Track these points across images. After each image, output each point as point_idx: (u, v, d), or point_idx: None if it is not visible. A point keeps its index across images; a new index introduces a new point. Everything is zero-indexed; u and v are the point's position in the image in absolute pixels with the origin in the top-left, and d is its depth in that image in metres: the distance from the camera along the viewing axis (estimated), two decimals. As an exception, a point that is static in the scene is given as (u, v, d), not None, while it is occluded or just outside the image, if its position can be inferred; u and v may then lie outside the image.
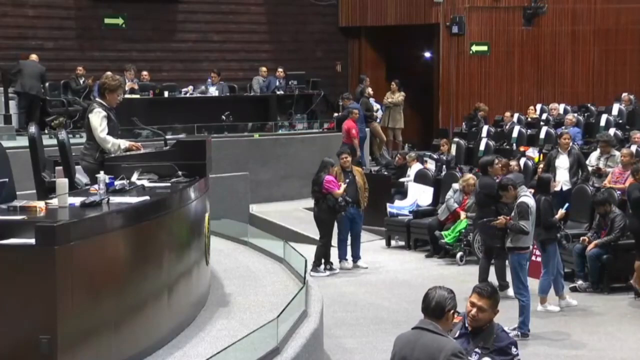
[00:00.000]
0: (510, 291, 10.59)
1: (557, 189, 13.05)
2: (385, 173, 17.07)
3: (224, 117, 18.07)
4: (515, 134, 17.45)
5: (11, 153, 8.01)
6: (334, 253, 13.41)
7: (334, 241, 13.40)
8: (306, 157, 17.34)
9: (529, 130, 17.78)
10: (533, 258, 11.54)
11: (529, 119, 19.34)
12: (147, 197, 6.77)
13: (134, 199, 6.66)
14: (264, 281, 9.24)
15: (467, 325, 5.48)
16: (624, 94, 20.16)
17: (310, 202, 13.88)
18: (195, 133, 16.74)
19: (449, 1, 22.16)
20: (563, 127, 16.58)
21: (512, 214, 10.32)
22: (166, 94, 18.68)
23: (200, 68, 21.35)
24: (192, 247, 7.66)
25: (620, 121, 18.07)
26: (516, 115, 19.53)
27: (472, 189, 13.34)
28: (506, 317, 8.65)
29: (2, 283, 5.52)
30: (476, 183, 12.79)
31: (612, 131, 16.21)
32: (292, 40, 22.96)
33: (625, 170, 13.20)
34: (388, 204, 15.33)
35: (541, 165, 14.55)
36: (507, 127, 18.44)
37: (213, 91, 19.16)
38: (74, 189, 7.44)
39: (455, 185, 14.21)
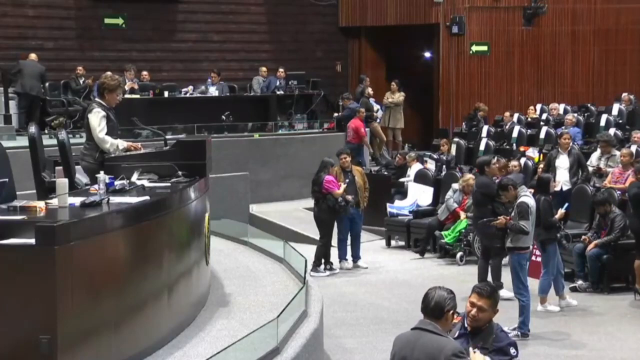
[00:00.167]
0: (504, 292, 10.54)
1: (557, 189, 13.04)
2: (385, 173, 17.07)
3: (224, 117, 18.08)
4: (515, 134, 17.45)
5: (11, 153, 8.01)
6: (334, 253, 13.41)
7: (334, 241, 13.41)
8: (306, 157, 17.34)
9: (529, 130, 17.77)
10: (533, 258, 11.54)
11: (529, 119, 19.33)
12: (147, 197, 6.77)
13: (134, 199, 6.66)
14: (264, 281, 9.24)
15: (466, 325, 5.48)
16: (624, 94, 20.16)
17: (310, 202, 13.88)
18: (195, 133, 16.75)
19: (449, 1, 22.15)
20: (563, 127, 16.57)
21: (512, 214, 10.32)
22: (166, 94, 18.68)
23: (200, 68, 21.35)
24: (192, 247, 7.66)
25: (620, 121, 18.07)
26: (516, 115, 19.53)
27: (471, 189, 13.32)
28: (506, 317, 8.67)
29: (2, 283, 5.52)
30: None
31: (612, 131, 16.20)
32: (292, 40, 22.96)
33: (625, 170, 13.21)
34: (388, 204, 15.33)
35: (541, 165, 14.55)
36: (507, 127, 18.44)
37: (213, 91, 19.16)
38: (74, 189, 7.44)
39: (455, 185, 14.22)
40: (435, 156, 17.00)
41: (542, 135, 16.94)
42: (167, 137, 9.99)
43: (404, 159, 16.92)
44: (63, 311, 5.52)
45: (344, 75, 23.88)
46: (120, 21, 20.96)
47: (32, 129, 8.55)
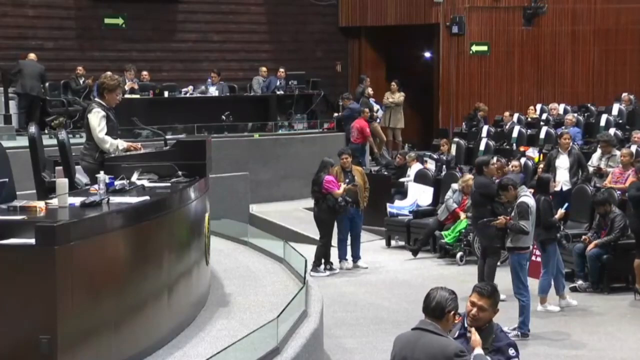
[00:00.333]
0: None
1: (557, 189, 13.04)
2: (385, 173, 17.07)
3: (224, 117, 18.08)
4: (515, 134, 17.45)
5: (11, 153, 8.00)
6: (334, 253, 13.41)
7: (334, 241, 13.40)
8: (306, 157, 17.34)
9: (529, 130, 17.77)
10: (533, 258, 11.54)
11: (529, 119, 19.33)
12: (147, 197, 6.77)
13: (134, 199, 6.66)
14: (264, 281, 9.24)
15: (466, 325, 5.48)
16: (624, 94, 20.16)
17: (310, 202, 13.88)
18: (195, 133, 16.75)
19: (449, 1, 22.15)
20: (563, 127, 16.57)
21: (512, 214, 10.32)
22: (166, 94, 18.68)
23: (200, 68, 21.35)
24: (192, 247, 7.66)
25: (620, 121, 18.07)
26: (516, 115, 19.53)
27: (471, 189, 13.33)
28: (506, 317, 8.67)
29: (2, 283, 5.52)
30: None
31: (612, 131, 16.19)
32: (292, 40, 22.96)
33: (626, 170, 13.21)
34: (388, 204, 15.33)
35: (541, 165, 14.55)
36: (507, 127, 18.44)
37: (213, 91, 19.16)
38: (74, 189, 7.44)
39: (455, 186, 14.21)
40: (435, 156, 17.00)
41: (542, 135, 16.94)
42: (167, 137, 9.98)
43: (404, 159, 16.93)
44: (63, 311, 5.52)
45: (344, 75, 23.88)
46: (120, 21, 20.96)
47: (32, 129, 8.54)
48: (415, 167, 16.25)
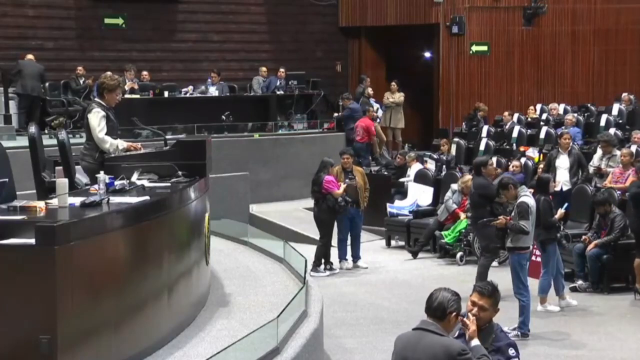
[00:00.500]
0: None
1: (557, 189, 13.04)
2: (385, 173, 17.07)
3: (224, 117, 18.09)
4: (515, 134, 17.44)
5: (11, 153, 8.00)
6: (334, 253, 13.41)
7: (334, 241, 13.40)
8: (306, 157, 17.35)
9: (529, 130, 17.77)
10: (533, 258, 11.53)
11: (529, 119, 19.33)
12: (147, 197, 6.77)
13: (134, 199, 6.66)
14: (264, 281, 9.24)
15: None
16: (624, 94, 20.15)
17: (310, 202, 13.88)
18: (195, 133, 16.76)
19: (449, 1, 22.15)
20: (563, 127, 16.57)
21: (512, 213, 10.32)
22: (166, 94, 18.69)
23: (200, 68, 21.34)
24: (192, 247, 7.66)
25: (620, 121, 18.06)
26: (516, 115, 19.53)
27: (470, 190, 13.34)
28: (506, 317, 8.66)
29: (2, 283, 5.52)
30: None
31: (612, 131, 16.19)
32: (292, 40, 22.95)
33: (626, 170, 13.21)
34: (388, 204, 15.33)
35: (541, 166, 14.54)
36: (507, 127, 18.43)
37: (213, 91, 19.16)
38: (74, 189, 7.44)
39: (454, 186, 14.21)
40: (435, 156, 17.00)
41: (542, 135, 16.94)
42: (167, 137, 9.98)
43: (404, 159, 16.92)
44: (63, 311, 5.52)
45: (344, 75, 23.88)
46: (120, 21, 20.95)
47: (32, 129, 8.55)
48: (415, 167, 16.25)
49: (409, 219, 14.93)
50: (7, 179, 6.47)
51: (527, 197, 10.36)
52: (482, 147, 16.72)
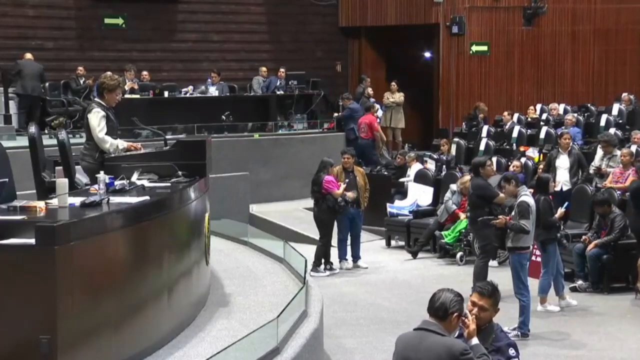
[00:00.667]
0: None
1: (557, 189, 13.04)
2: (385, 173, 17.07)
3: (224, 117, 18.09)
4: (515, 134, 17.44)
5: (11, 153, 8.00)
6: (334, 253, 13.41)
7: (334, 241, 13.40)
8: (306, 157, 17.35)
9: (529, 130, 17.77)
10: (533, 258, 11.54)
11: (529, 119, 19.33)
12: (147, 197, 6.77)
13: (134, 199, 6.66)
14: (264, 281, 9.24)
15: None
16: (624, 94, 20.16)
17: (310, 202, 13.88)
18: (195, 133, 16.77)
19: (449, 1, 22.14)
20: (563, 127, 16.57)
21: (512, 213, 10.32)
22: (166, 94, 18.69)
23: (200, 68, 21.34)
24: (192, 247, 7.66)
25: (620, 121, 18.06)
26: (516, 115, 19.53)
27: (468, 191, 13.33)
28: (506, 317, 8.66)
29: (2, 283, 5.52)
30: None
31: (612, 131, 16.19)
32: (292, 40, 22.95)
33: (626, 170, 13.21)
34: (388, 204, 15.34)
35: (541, 166, 14.55)
36: (507, 127, 18.43)
37: (213, 91, 19.16)
38: (74, 189, 7.44)
39: (453, 187, 14.20)
40: (435, 156, 17.00)
41: (542, 135, 16.94)
42: (167, 137, 9.98)
43: (404, 159, 16.93)
44: (63, 311, 5.52)
45: (344, 75, 23.87)
46: (120, 21, 20.95)
47: (32, 129, 8.54)
48: (415, 167, 16.25)
49: (409, 219, 14.93)
50: (7, 179, 6.47)
51: (527, 196, 10.37)
52: (482, 147, 16.72)
